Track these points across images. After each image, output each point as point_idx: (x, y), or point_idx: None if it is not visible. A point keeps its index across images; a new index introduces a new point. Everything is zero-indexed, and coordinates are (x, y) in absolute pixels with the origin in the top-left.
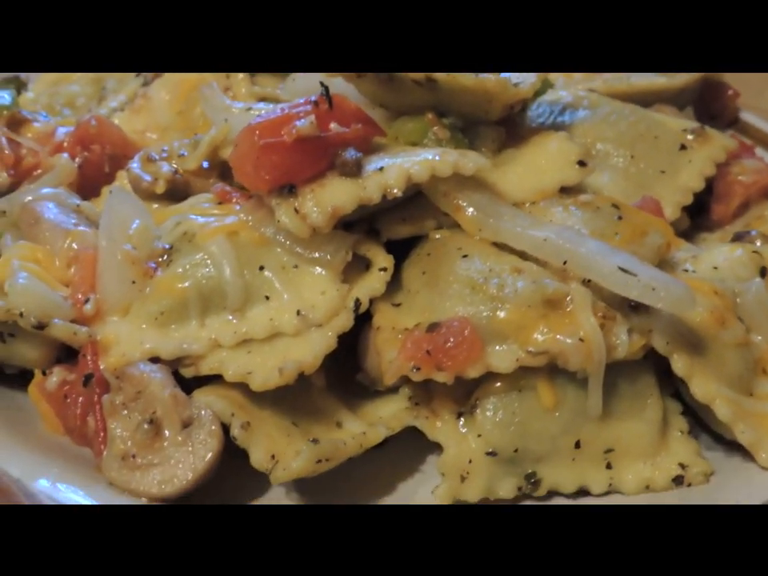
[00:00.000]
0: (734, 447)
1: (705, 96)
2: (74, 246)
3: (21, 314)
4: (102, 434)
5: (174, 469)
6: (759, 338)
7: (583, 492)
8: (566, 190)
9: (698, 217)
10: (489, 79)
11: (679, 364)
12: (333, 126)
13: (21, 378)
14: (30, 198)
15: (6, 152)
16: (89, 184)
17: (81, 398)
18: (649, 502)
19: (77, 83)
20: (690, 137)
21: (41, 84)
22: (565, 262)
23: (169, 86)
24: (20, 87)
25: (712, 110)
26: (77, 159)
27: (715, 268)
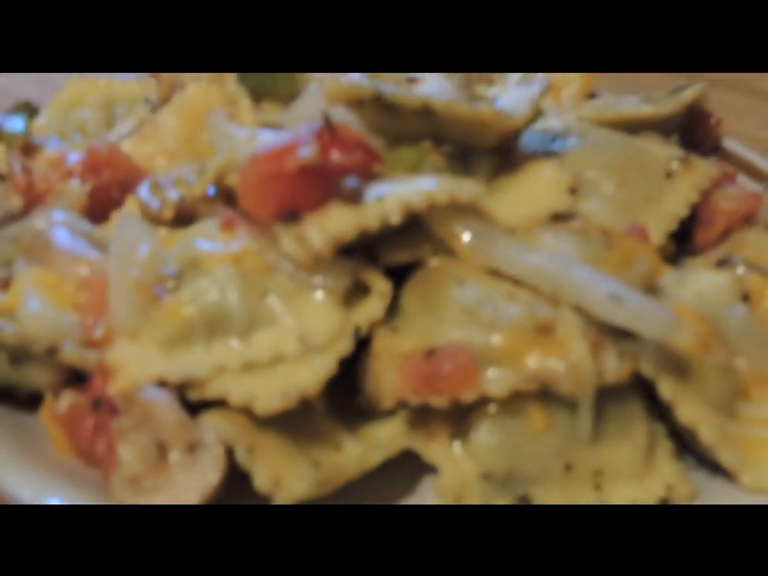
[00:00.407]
0: (717, 469)
1: (689, 124)
2: (85, 271)
3: (32, 340)
4: (110, 457)
5: (180, 492)
6: (742, 362)
7: None
8: (557, 217)
9: (681, 242)
10: (484, 110)
11: (665, 388)
12: (334, 154)
13: (32, 402)
14: (41, 223)
15: (19, 178)
16: (99, 209)
17: (90, 422)
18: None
19: (87, 109)
20: (676, 164)
21: (52, 110)
22: (556, 289)
23: (176, 113)
24: (32, 113)
25: (696, 138)
26: (87, 185)
27: (699, 294)
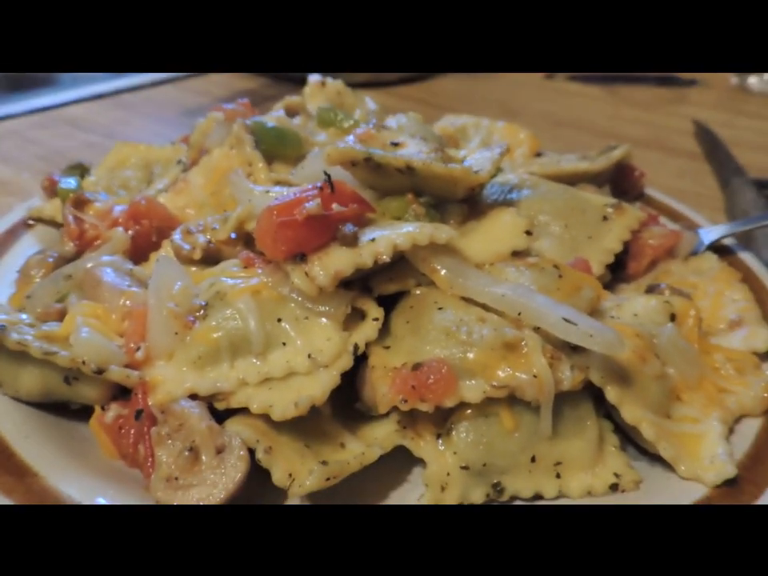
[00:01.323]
0: (656, 459)
1: (618, 176)
2: (128, 303)
3: (83, 362)
4: (150, 460)
5: (210, 488)
6: (673, 371)
7: (538, 497)
8: (516, 254)
9: (616, 271)
10: (455, 168)
11: (611, 394)
12: (334, 205)
13: (83, 413)
14: (91, 264)
15: (72, 226)
16: (139, 252)
17: (133, 430)
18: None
19: (130, 169)
20: (610, 210)
21: (101, 170)
22: (519, 313)
23: (203, 172)
24: (84, 172)
25: (624, 187)
26: (130, 232)
27: (635, 315)
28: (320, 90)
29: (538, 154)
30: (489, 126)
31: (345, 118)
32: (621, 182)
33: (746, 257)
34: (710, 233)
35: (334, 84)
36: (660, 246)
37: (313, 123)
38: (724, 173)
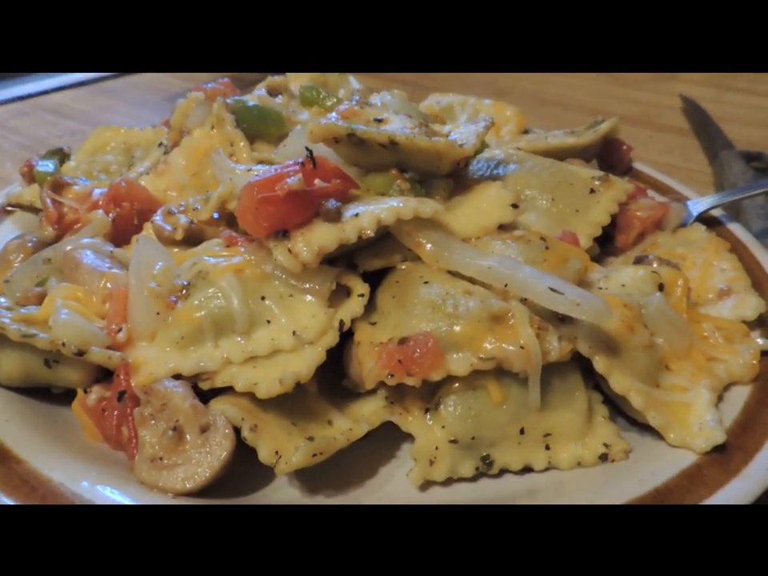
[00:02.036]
0: (645, 429)
1: (605, 150)
2: (109, 285)
3: (63, 344)
4: (134, 441)
5: (195, 467)
6: (662, 340)
7: (528, 469)
8: (503, 227)
9: (605, 245)
10: (439, 141)
11: (600, 364)
12: (317, 181)
13: (65, 396)
14: (71, 247)
15: (51, 210)
16: (121, 234)
17: (116, 411)
18: (580, 478)
19: (110, 153)
20: (597, 182)
21: (81, 154)
22: (506, 285)
23: (184, 154)
24: (63, 158)
25: (611, 162)
26: (110, 214)
27: (623, 285)
28: None
29: (526, 131)
30: (475, 104)
31: (328, 97)
32: (609, 156)
33: (734, 227)
34: (699, 204)
35: None
36: (648, 217)
37: (295, 102)
38: (712, 147)
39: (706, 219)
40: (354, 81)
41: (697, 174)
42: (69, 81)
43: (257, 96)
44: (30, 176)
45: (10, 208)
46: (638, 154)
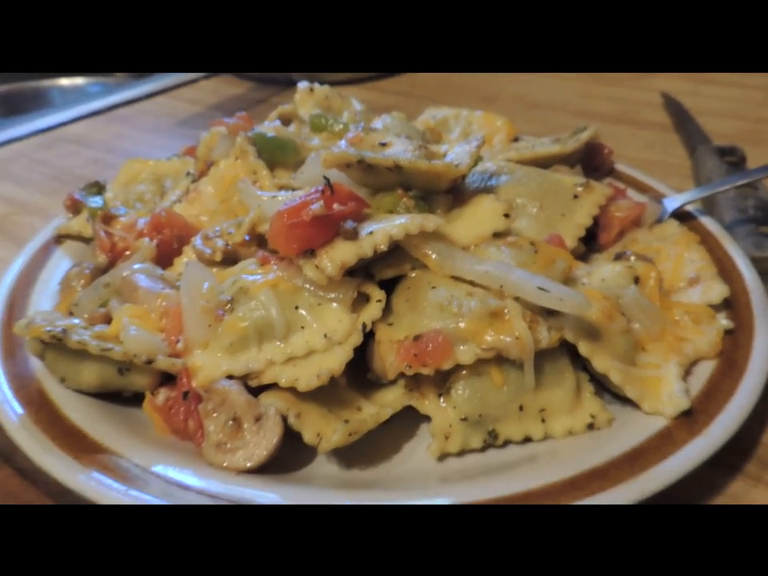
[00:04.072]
0: (625, 401)
1: (589, 155)
2: (164, 303)
3: (134, 355)
4: (200, 432)
5: (253, 449)
6: (638, 326)
7: (527, 440)
8: (497, 235)
9: (590, 243)
10: (438, 164)
11: (583, 348)
12: (335, 205)
13: (133, 400)
14: (126, 272)
15: (104, 240)
16: (164, 258)
17: (182, 408)
18: (572, 444)
19: (142, 183)
20: (579, 188)
21: (116, 186)
22: (501, 286)
23: (213, 182)
24: (100, 190)
25: (595, 164)
26: (154, 241)
27: (603, 280)
28: (309, 95)
29: (515, 139)
30: (468, 116)
31: (335, 122)
32: (592, 160)
33: (705, 220)
34: (674, 201)
35: (321, 89)
36: (626, 217)
37: (306, 129)
38: (691, 141)
39: (681, 214)
40: (355, 102)
41: (677, 167)
42: (84, 111)
43: (273, 127)
44: (74, 208)
45: (59, 237)
46: (621, 151)
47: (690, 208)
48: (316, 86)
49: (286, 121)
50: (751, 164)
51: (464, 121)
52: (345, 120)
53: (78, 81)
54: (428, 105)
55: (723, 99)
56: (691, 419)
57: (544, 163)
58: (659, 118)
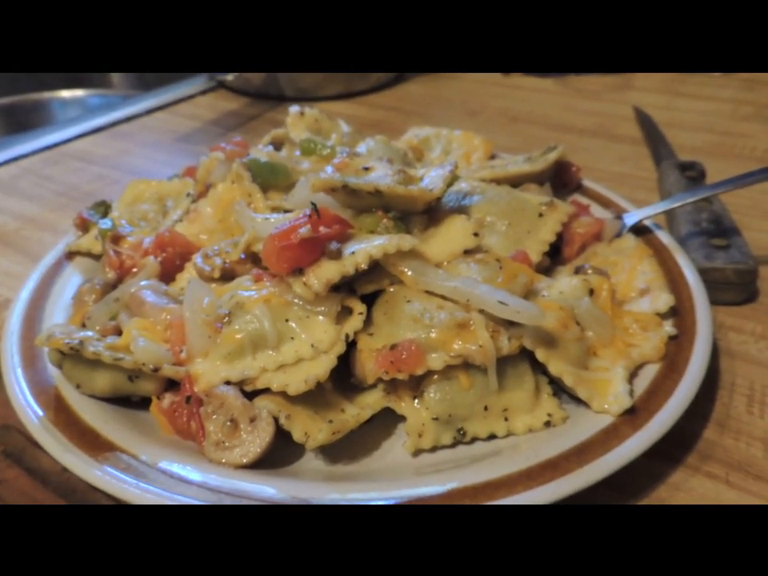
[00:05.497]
0: (579, 401)
1: (558, 173)
2: (168, 317)
3: (143, 364)
4: (201, 432)
5: (248, 447)
6: (590, 333)
7: (492, 436)
8: (468, 252)
9: (554, 256)
10: (413, 189)
11: (540, 354)
12: (321, 228)
13: (143, 403)
14: (134, 289)
15: (113, 258)
16: (167, 274)
17: (185, 411)
18: (531, 440)
19: (146, 203)
20: (544, 207)
21: (121, 204)
22: (467, 300)
23: (211, 203)
24: (107, 209)
25: (564, 181)
26: (158, 258)
27: (561, 292)
28: (299, 118)
29: (492, 156)
30: (447, 135)
31: (323, 147)
32: (560, 177)
33: (660, 234)
34: (632, 216)
35: (311, 113)
36: (587, 233)
37: (297, 151)
38: (657, 156)
39: (639, 228)
40: (343, 124)
41: (646, 181)
42: (88, 128)
43: (266, 152)
44: (83, 227)
45: (69, 254)
46: (595, 164)
47: (647, 222)
48: (306, 109)
49: (278, 144)
50: (712, 177)
51: (444, 140)
52: (333, 143)
53: (78, 93)
54: (415, 118)
55: (694, 112)
56: (635, 416)
57: (516, 181)
58: (633, 132)
